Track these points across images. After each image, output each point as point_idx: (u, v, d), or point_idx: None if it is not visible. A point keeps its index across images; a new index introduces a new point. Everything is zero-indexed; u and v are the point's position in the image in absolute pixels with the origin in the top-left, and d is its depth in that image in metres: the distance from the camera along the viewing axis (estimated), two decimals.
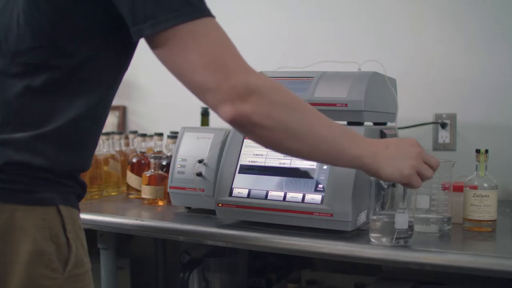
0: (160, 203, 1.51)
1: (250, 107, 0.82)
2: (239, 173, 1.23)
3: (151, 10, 0.79)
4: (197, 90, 0.83)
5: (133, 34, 0.82)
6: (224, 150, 1.28)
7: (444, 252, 1.02)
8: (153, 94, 2.17)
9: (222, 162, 1.25)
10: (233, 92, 0.81)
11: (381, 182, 1.06)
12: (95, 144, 0.95)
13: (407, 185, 0.98)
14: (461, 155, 1.63)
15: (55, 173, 0.86)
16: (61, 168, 0.87)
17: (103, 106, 0.92)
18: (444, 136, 1.72)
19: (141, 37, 0.82)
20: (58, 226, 0.84)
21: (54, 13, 0.83)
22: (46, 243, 0.83)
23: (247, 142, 1.27)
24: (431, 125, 1.74)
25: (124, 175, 1.69)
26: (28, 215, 0.82)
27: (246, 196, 1.20)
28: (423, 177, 0.98)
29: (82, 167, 0.92)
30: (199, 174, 1.32)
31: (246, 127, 0.84)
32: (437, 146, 1.74)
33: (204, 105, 1.85)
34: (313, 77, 1.31)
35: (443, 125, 1.72)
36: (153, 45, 0.82)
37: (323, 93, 1.25)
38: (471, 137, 1.69)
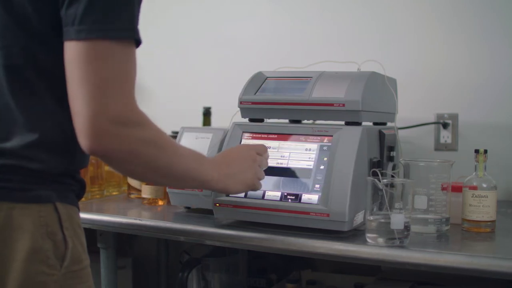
0: (160, 202, 1.52)
1: (115, 143, 0.82)
2: None
3: (81, 15, 0.80)
4: (73, 105, 0.82)
5: (63, 33, 0.82)
6: (222, 150, 1.28)
7: (440, 253, 1.02)
8: (156, 94, 2.17)
9: None
10: (103, 124, 0.80)
11: (377, 182, 1.06)
12: None
13: (252, 189, 1.13)
14: (463, 155, 1.62)
15: (51, 174, 0.87)
16: (56, 169, 0.88)
17: None
18: (445, 136, 1.71)
19: (66, 39, 0.81)
20: (55, 223, 0.85)
21: (19, 13, 0.84)
22: (43, 240, 0.84)
23: (245, 142, 1.27)
24: (432, 125, 1.73)
25: None
26: (25, 212, 0.83)
27: (243, 196, 1.20)
28: (260, 179, 1.12)
29: (78, 166, 0.93)
30: None
31: (106, 160, 0.86)
32: (439, 146, 1.73)
33: (206, 105, 1.89)
34: (311, 77, 1.31)
35: (445, 125, 1.71)
36: (68, 48, 0.82)
37: (321, 93, 1.25)
38: (473, 137, 1.68)
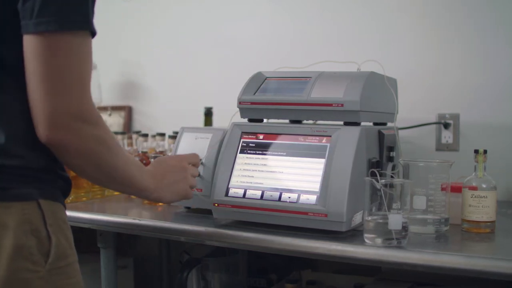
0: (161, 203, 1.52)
1: (71, 137, 0.86)
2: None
3: (38, 9, 0.81)
4: (32, 98, 0.84)
5: (22, 27, 0.83)
6: (221, 150, 1.28)
7: (438, 253, 1.01)
8: (158, 94, 2.18)
9: (219, 162, 1.26)
10: (60, 118, 0.84)
11: (374, 182, 1.06)
12: None
13: (185, 198, 1.18)
14: (464, 155, 1.62)
15: (32, 169, 0.88)
16: (36, 164, 0.88)
17: None
18: (447, 136, 1.71)
19: (26, 32, 0.83)
20: (38, 220, 0.86)
21: None
22: (27, 237, 0.85)
23: (244, 142, 1.27)
24: (434, 125, 1.72)
25: None
26: (8, 211, 0.84)
27: (242, 196, 1.20)
28: (192, 187, 1.19)
29: (58, 160, 0.93)
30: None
31: (60, 152, 0.89)
32: (440, 147, 1.72)
33: (207, 105, 1.89)
34: (310, 77, 1.30)
35: (446, 125, 1.70)
36: (27, 41, 0.83)
37: (320, 93, 1.25)
38: (474, 138, 1.67)
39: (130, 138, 1.92)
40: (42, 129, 0.84)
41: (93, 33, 0.88)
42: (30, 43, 0.83)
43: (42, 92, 0.83)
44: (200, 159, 1.33)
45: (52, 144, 0.86)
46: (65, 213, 0.94)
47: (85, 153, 0.89)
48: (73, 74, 0.84)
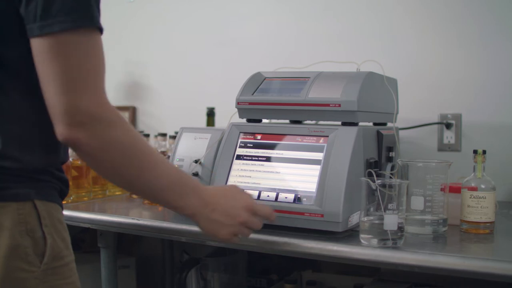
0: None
1: (85, 136, 0.84)
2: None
3: (41, 11, 0.81)
4: (47, 99, 0.84)
5: (27, 31, 0.83)
6: (219, 150, 1.28)
7: (433, 254, 1.01)
8: (162, 95, 2.19)
9: (217, 162, 1.26)
10: (75, 117, 0.83)
11: (370, 183, 1.06)
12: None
13: (222, 242, 1.06)
14: (466, 155, 1.61)
15: (28, 171, 0.88)
16: (32, 166, 0.89)
17: None
18: (449, 136, 1.70)
19: (32, 36, 0.83)
20: (34, 220, 0.87)
21: None
22: (22, 237, 0.85)
23: (242, 142, 1.27)
24: (436, 126, 1.71)
25: None
26: (4, 211, 0.85)
27: None
28: (244, 234, 1.05)
29: (53, 161, 0.94)
30: (196, 174, 1.32)
31: (76, 151, 0.87)
32: (442, 147, 1.71)
33: (210, 105, 1.90)
34: (309, 78, 1.30)
35: (448, 126, 1.69)
36: (34, 45, 0.83)
37: (317, 93, 1.25)
38: (476, 138, 1.66)
39: None
40: (57, 129, 0.84)
41: (99, 30, 0.86)
42: (37, 46, 0.83)
43: (52, 92, 0.82)
44: (199, 160, 1.33)
45: (68, 143, 0.85)
46: (61, 214, 0.94)
47: (100, 155, 0.86)
48: (82, 72, 0.83)
